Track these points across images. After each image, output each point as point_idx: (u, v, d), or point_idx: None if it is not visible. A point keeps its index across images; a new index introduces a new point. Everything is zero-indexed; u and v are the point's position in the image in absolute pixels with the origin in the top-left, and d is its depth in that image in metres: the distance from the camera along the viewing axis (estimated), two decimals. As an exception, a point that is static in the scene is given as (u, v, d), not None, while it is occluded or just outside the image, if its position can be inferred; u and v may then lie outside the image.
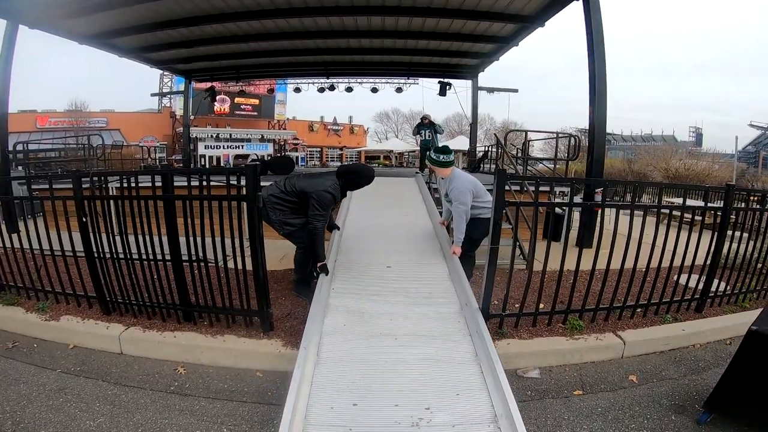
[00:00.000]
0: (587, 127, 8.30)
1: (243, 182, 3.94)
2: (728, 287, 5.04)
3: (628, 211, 4.52)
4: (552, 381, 3.71)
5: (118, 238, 4.20)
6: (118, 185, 4.36)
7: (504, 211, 4.37)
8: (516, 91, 17.28)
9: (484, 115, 42.21)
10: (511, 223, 5.81)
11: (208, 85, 17.10)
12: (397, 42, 12.15)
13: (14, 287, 4.87)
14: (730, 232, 4.87)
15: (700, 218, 4.91)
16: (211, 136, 30.76)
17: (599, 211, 6.13)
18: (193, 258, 4.10)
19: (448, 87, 15.38)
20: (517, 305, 4.33)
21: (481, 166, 14.01)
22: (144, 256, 4.20)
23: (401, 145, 37.61)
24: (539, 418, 3.19)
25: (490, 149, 14.41)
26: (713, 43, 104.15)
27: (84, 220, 4.18)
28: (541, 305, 4.34)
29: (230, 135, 31.59)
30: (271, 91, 27.96)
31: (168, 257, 4.15)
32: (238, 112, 34.42)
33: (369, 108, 65.78)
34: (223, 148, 30.42)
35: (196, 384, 3.58)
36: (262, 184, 4.01)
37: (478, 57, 13.14)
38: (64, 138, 19.72)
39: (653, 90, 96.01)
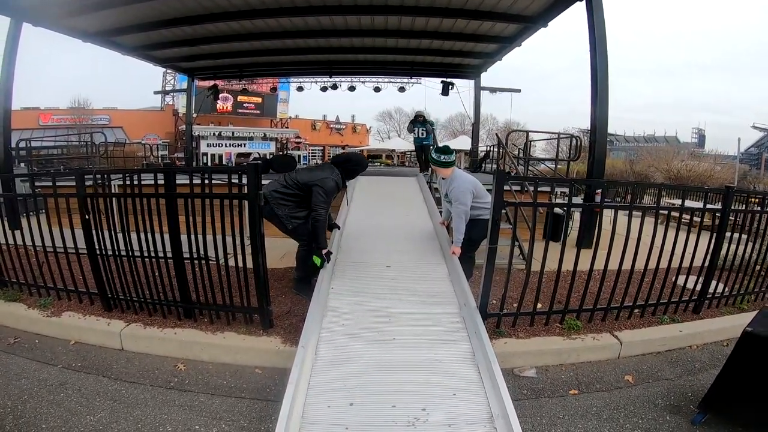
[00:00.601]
0: (589, 127, 8.33)
1: (244, 181, 3.98)
2: (726, 289, 5.06)
3: (628, 212, 4.54)
4: (548, 380, 3.74)
5: (120, 236, 4.23)
6: (121, 183, 4.40)
7: (504, 211, 4.40)
8: (519, 91, 17.26)
9: (486, 114, 42.18)
10: (510, 223, 5.82)
11: (211, 83, 17.12)
12: (400, 41, 12.18)
13: (16, 284, 4.91)
14: (729, 234, 4.88)
15: (699, 219, 4.93)
16: (214, 134, 30.85)
17: (599, 212, 6.14)
18: (195, 255, 4.14)
19: (450, 87, 15.39)
20: (515, 305, 4.35)
21: (483, 166, 14.02)
22: (146, 254, 4.24)
23: (403, 145, 37.58)
24: (534, 417, 3.21)
25: (491, 149, 14.42)
26: (715, 43, 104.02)
27: (87, 217, 4.21)
28: (539, 305, 4.36)
29: (232, 133, 31.66)
30: (273, 89, 27.93)
31: (169, 255, 4.19)
32: (240, 111, 34.46)
33: (372, 107, 66.06)
34: (226, 146, 30.49)
35: (195, 380, 3.62)
36: (263, 182, 4.05)
37: (481, 57, 13.16)
38: (67, 135, 19.78)
39: (656, 90, 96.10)
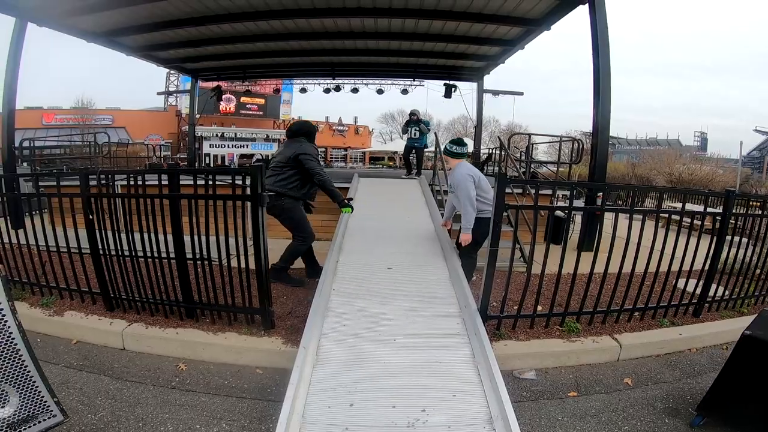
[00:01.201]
0: (591, 131, 8.34)
1: (247, 182, 4.00)
2: (726, 292, 5.07)
3: (629, 215, 4.56)
4: (547, 382, 3.75)
5: (123, 236, 4.26)
6: (125, 183, 4.42)
7: (505, 213, 4.42)
8: (521, 94, 17.30)
9: (489, 117, 42.30)
10: (511, 225, 5.84)
11: (215, 84, 17.18)
12: (403, 44, 12.21)
13: (19, 282, 4.93)
14: (729, 237, 4.89)
15: (700, 223, 4.94)
16: (217, 135, 30.89)
17: (600, 215, 6.15)
18: (197, 256, 4.16)
19: (453, 89, 15.43)
20: (515, 307, 4.36)
21: (485, 168, 14.04)
22: (149, 254, 4.26)
23: (406, 147, 37.58)
24: (533, 419, 3.22)
25: (493, 152, 14.43)
26: (720, 45, 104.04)
27: (90, 217, 4.24)
28: (540, 307, 4.38)
29: (235, 134, 31.71)
30: (277, 91, 28.09)
31: (172, 255, 4.21)
32: (243, 112, 34.59)
33: (374, 109, 66.12)
34: (228, 147, 30.53)
35: (196, 380, 3.63)
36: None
37: (484, 60, 13.19)
38: (70, 135, 19.84)
39: (660, 92, 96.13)
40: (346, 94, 17.65)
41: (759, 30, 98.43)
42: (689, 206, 5.15)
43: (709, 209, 4.94)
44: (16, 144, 9.85)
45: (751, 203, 5.82)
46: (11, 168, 9.00)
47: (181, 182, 4.21)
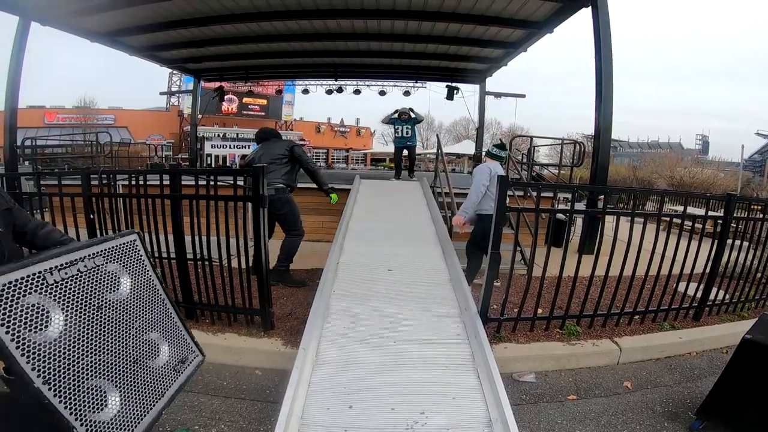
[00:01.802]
0: (593, 133, 8.34)
1: (249, 183, 4.01)
2: (727, 296, 5.06)
3: (630, 219, 4.56)
4: (547, 385, 3.75)
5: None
6: (126, 183, 4.43)
7: (508, 215, 4.43)
8: (523, 96, 17.32)
9: (490, 119, 42.28)
10: (512, 227, 5.84)
11: (217, 84, 17.21)
12: (406, 45, 12.21)
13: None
14: (730, 241, 4.89)
15: (701, 226, 4.93)
16: (218, 135, 30.95)
17: (601, 218, 6.15)
18: (198, 257, 4.16)
19: (456, 91, 15.41)
20: (515, 310, 4.36)
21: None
22: (149, 254, 4.26)
23: (407, 148, 37.60)
24: (533, 422, 3.22)
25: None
26: (722, 49, 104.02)
27: (91, 217, 4.25)
28: (540, 310, 4.38)
29: (237, 135, 31.78)
30: (279, 92, 28.07)
31: (173, 255, 4.22)
32: (245, 112, 34.61)
33: (376, 110, 65.90)
34: (230, 147, 30.59)
35: (195, 380, 3.61)
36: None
37: (487, 62, 13.19)
38: (72, 135, 19.87)
39: (662, 95, 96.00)
40: (348, 95, 17.73)
41: (762, 34, 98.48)
42: (690, 209, 5.14)
43: (710, 213, 4.93)
44: (18, 143, 9.87)
45: (752, 207, 5.81)
46: (13, 167, 9.03)
47: (183, 182, 4.21)
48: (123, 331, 2.03)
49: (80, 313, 1.80)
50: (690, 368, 4.12)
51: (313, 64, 14.58)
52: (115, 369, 1.91)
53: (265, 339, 4.06)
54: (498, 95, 16.08)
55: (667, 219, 4.99)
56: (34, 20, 9.03)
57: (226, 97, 19.39)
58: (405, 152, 10.71)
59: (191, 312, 4.34)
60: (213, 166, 27.65)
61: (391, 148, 38.21)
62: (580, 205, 8.34)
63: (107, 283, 2.00)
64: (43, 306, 1.64)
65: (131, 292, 2.13)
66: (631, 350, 4.20)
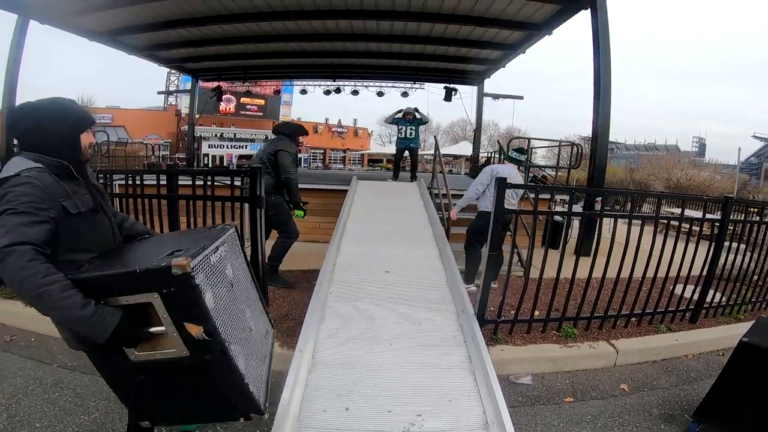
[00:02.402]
0: (590, 135, 8.34)
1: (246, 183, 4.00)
2: (723, 298, 5.07)
3: (627, 221, 4.56)
4: (544, 388, 3.74)
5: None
6: (123, 182, 4.41)
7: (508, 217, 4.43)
8: (521, 98, 17.28)
9: (488, 120, 42.32)
10: (510, 230, 5.84)
11: (215, 84, 17.18)
12: (404, 46, 12.21)
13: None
14: (727, 243, 4.89)
15: (698, 229, 4.94)
16: (216, 135, 30.89)
17: (598, 220, 6.16)
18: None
19: (453, 92, 15.38)
20: (512, 312, 4.36)
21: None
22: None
23: (405, 149, 37.57)
24: (529, 425, 3.22)
25: (492, 155, 14.43)
26: (719, 52, 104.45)
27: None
28: (537, 312, 4.37)
29: (234, 135, 31.73)
30: (277, 92, 28.05)
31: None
32: (243, 112, 34.53)
33: (374, 111, 66.11)
34: (227, 147, 30.54)
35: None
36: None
37: (485, 63, 13.20)
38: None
39: (660, 97, 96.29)
40: (346, 95, 17.69)
41: (760, 37, 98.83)
42: (687, 212, 5.15)
43: (707, 215, 4.93)
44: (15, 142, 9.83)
45: (749, 209, 5.82)
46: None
47: (180, 182, 4.19)
48: (239, 305, 2.33)
49: (221, 289, 2.08)
50: (686, 370, 4.12)
51: (311, 64, 14.58)
52: (241, 336, 2.22)
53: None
54: (496, 97, 16.07)
55: (665, 221, 4.98)
56: (33, 18, 9.01)
57: (223, 96, 19.36)
58: (406, 153, 10.47)
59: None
60: (210, 166, 27.57)
61: (388, 149, 38.36)
62: (578, 207, 8.35)
63: (227, 266, 2.28)
64: (208, 283, 1.91)
65: (237, 274, 2.41)
66: (627, 352, 4.20)
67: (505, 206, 4.19)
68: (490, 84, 15.15)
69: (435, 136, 13.53)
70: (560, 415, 3.35)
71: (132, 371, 1.94)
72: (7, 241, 1.62)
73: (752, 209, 6.10)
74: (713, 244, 4.74)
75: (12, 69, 8.92)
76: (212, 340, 1.83)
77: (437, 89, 15.90)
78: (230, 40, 11.55)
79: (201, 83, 16.88)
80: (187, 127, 19.21)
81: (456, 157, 33.77)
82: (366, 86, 17.63)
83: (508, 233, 5.65)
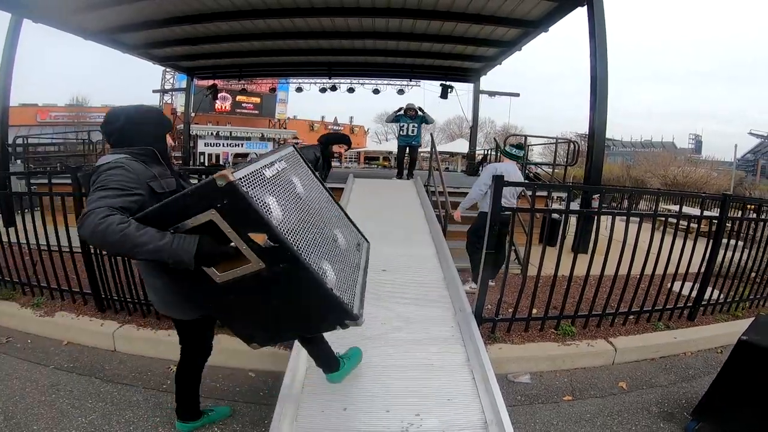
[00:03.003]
0: (587, 132, 8.33)
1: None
2: (721, 296, 5.06)
3: (625, 218, 4.55)
4: (542, 386, 3.73)
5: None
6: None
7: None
8: (517, 95, 17.31)
9: (484, 118, 42.29)
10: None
11: (210, 82, 17.11)
12: (400, 44, 12.20)
13: (10, 282, 4.87)
14: (725, 240, 4.89)
15: (696, 226, 4.94)
16: (211, 133, 30.73)
17: (596, 217, 6.15)
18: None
19: (450, 90, 15.38)
20: (510, 310, 4.35)
21: (480, 169, 14.01)
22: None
23: (401, 147, 37.51)
24: (528, 423, 3.21)
25: (489, 153, 14.42)
26: (716, 51, 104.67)
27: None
28: (534, 310, 4.36)
29: (230, 133, 31.55)
30: (273, 90, 27.90)
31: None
32: (239, 110, 34.41)
33: (370, 109, 66.00)
34: (223, 146, 30.40)
35: (188, 382, 3.59)
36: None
37: (481, 61, 13.20)
38: (64, 133, 19.71)
39: (656, 98, 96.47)
40: (342, 93, 17.62)
41: (757, 36, 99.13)
42: (685, 209, 5.14)
43: (705, 212, 4.93)
44: (10, 141, 9.77)
45: (746, 207, 5.81)
46: (4, 166, 8.93)
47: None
48: (316, 217, 2.44)
49: (287, 200, 2.18)
50: (685, 368, 4.12)
51: (307, 62, 14.55)
52: (322, 246, 2.30)
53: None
54: (492, 94, 16.06)
55: (663, 219, 4.98)
56: (27, 17, 8.93)
57: (219, 95, 19.30)
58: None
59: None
60: (206, 164, 27.43)
61: (384, 147, 38.32)
62: (575, 205, 8.36)
63: (292, 179, 2.40)
64: (266, 193, 2.01)
65: (308, 188, 2.54)
66: (626, 350, 4.19)
67: (504, 204, 4.18)
68: (487, 82, 15.14)
69: (431, 134, 13.54)
70: (559, 414, 3.34)
71: (221, 294, 2.09)
72: (88, 208, 1.90)
73: (749, 206, 6.10)
74: (711, 241, 4.74)
75: (6, 68, 8.83)
76: (280, 247, 1.90)
77: (433, 86, 15.92)
78: (225, 38, 11.51)
79: (196, 81, 16.82)
80: (182, 125, 19.11)
81: (452, 154, 33.77)
82: (362, 84, 17.58)
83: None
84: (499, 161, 6.12)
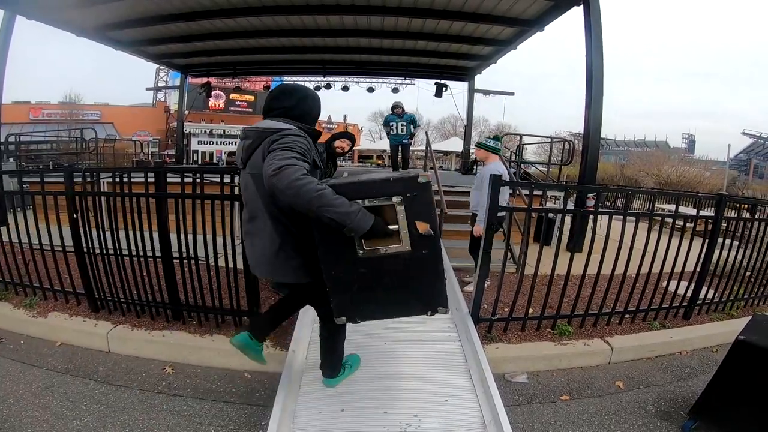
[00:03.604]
0: (581, 131, 8.34)
1: (236, 180, 3.92)
2: (716, 295, 5.08)
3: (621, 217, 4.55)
4: (539, 386, 3.73)
5: (108, 234, 4.16)
6: (110, 180, 4.33)
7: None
8: (512, 94, 17.27)
9: (479, 117, 42.33)
10: (503, 228, 5.82)
11: (204, 80, 17.03)
12: (395, 42, 12.16)
13: (2, 282, 4.82)
14: (720, 240, 4.90)
15: (692, 225, 4.94)
16: (205, 131, 30.64)
17: (591, 217, 6.16)
18: (184, 255, 4.08)
19: (444, 88, 15.33)
20: (506, 309, 4.34)
21: (474, 168, 14.02)
22: (134, 253, 4.17)
23: (395, 145, 37.45)
24: (526, 423, 3.20)
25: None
26: (710, 53, 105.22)
27: (75, 216, 4.14)
28: (531, 310, 4.35)
29: (224, 131, 31.46)
30: (267, 88, 27.89)
31: (158, 254, 4.13)
32: (232, 108, 34.25)
33: (364, 107, 66.06)
34: (217, 144, 30.30)
35: (184, 384, 3.57)
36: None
37: (476, 59, 13.18)
38: (57, 131, 19.60)
39: (650, 98, 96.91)
40: (336, 92, 17.55)
41: (751, 37, 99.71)
42: (681, 209, 5.15)
43: (700, 212, 4.94)
44: (2, 139, 9.69)
45: (741, 206, 5.84)
46: (-4, 164, 8.87)
47: (169, 180, 4.11)
48: None
49: None
50: (681, 367, 4.13)
51: (301, 60, 14.50)
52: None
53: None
54: (487, 93, 16.02)
55: (659, 218, 4.98)
56: (20, 14, 8.87)
57: (213, 93, 19.21)
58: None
59: (178, 313, 4.26)
60: (199, 162, 27.35)
61: (378, 145, 38.26)
62: (570, 204, 8.36)
63: None
64: None
65: None
66: (622, 350, 4.19)
67: (500, 204, 4.16)
68: (482, 80, 15.12)
69: (426, 132, 13.50)
70: (557, 414, 3.34)
71: (357, 265, 2.36)
72: (285, 162, 2.11)
73: (743, 206, 6.12)
74: (706, 240, 4.75)
75: (-2, 65, 8.78)
76: (434, 236, 2.29)
77: (428, 85, 15.86)
78: (219, 36, 11.43)
79: (190, 79, 16.74)
80: (176, 123, 19.03)
81: (447, 152, 33.75)
82: (356, 82, 17.53)
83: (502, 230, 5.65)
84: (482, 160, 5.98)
